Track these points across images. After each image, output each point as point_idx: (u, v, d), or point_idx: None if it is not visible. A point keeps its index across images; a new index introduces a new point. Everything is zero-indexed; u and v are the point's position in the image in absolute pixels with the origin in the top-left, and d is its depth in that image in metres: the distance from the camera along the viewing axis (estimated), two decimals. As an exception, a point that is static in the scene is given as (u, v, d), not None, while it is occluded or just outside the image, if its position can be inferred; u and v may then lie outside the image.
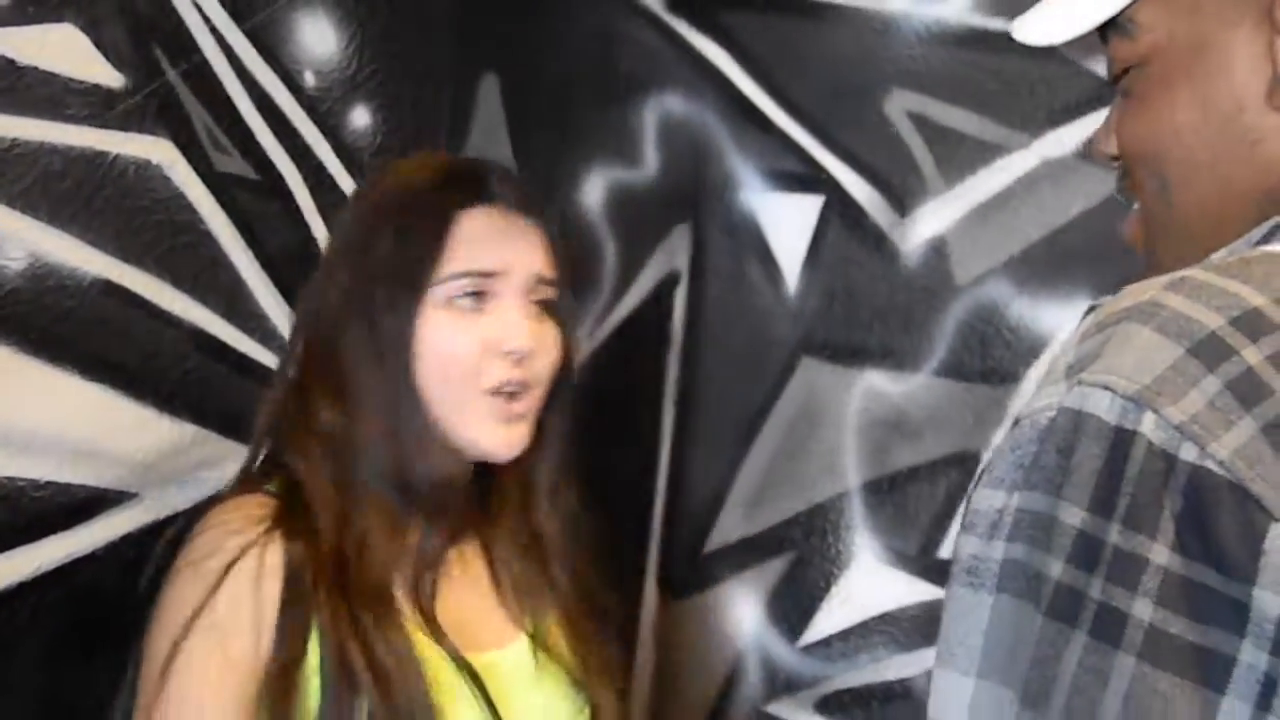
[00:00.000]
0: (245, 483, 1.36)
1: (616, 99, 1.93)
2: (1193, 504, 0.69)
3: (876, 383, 1.78)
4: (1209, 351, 0.72)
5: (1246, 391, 0.71)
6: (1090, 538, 0.70)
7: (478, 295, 1.32)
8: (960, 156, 1.72)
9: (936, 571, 1.73)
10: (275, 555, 1.25)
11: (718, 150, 1.87)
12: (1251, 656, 0.68)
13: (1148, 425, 0.70)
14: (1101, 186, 1.56)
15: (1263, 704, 0.67)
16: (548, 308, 1.36)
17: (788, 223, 1.82)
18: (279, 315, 1.79)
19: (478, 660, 1.32)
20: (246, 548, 1.25)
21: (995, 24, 1.67)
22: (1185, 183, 0.92)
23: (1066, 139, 1.64)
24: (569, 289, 1.43)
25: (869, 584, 1.77)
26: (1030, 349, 1.69)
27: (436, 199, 1.35)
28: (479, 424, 1.32)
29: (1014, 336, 1.69)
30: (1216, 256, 0.85)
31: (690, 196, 1.89)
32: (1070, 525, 0.71)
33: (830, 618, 1.80)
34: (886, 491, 1.77)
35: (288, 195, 1.79)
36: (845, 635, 1.79)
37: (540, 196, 1.44)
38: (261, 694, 1.24)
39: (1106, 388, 0.71)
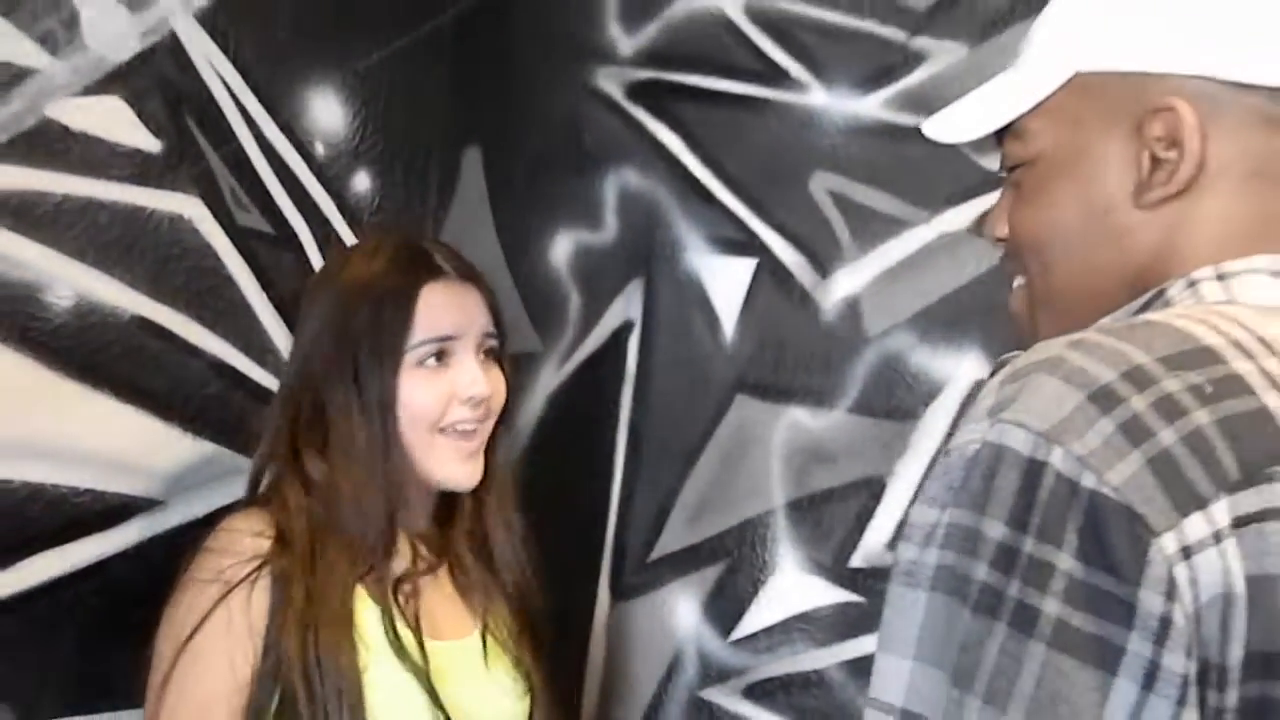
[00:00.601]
0: (251, 502, 1.42)
1: (582, 172, 1.95)
2: (1092, 521, 0.71)
3: (799, 417, 1.78)
4: (1104, 399, 0.73)
5: (1134, 432, 0.72)
6: (1009, 547, 0.72)
7: (440, 355, 1.39)
8: (871, 229, 1.74)
9: (848, 578, 1.74)
10: (264, 584, 1.31)
11: (667, 218, 1.88)
12: (1138, 646, 0.70)
13: (1056, 457, 0.72)
14: (989, 256, 1.59)
15: (1148, 685, 0.70)
16: (492, 355, 1.44)
17: (726, 281, 1.84)
18: (288, 349, 1.78)
19: (441, 648, 1.39)
20: (239, 582, 1.30)
21: (902, 119, 1.70)
22: (1063, 266, 0.93)
23: (960, 216, 1.66)
24: (506, 335, 1.48)
25: (790, 588, 1.77)
26: (928, 391, 1.71)
27: (399, 280, 1.40)
28: (445, 463, 1.40)
29: (915, 380, 1.71)
30: (1105, 322, 0.86)
31: (643, 257, 1.91)
32: (992, 537, 0.73)
33: (757, 617, 1.80)
34: (806, 509, 1.78)
35: (299, 248, 1.82)
36: (769, 632, 1.79)
37: (475, 265, 1.49)
38: (250, 696, 1.30)
39: (1021, 426, 0.74)
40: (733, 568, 1.82)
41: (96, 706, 1.58)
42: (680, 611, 1.86)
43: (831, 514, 1.76)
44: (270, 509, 1.38)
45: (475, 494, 1.47)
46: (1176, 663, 0.69)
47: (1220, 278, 0.84)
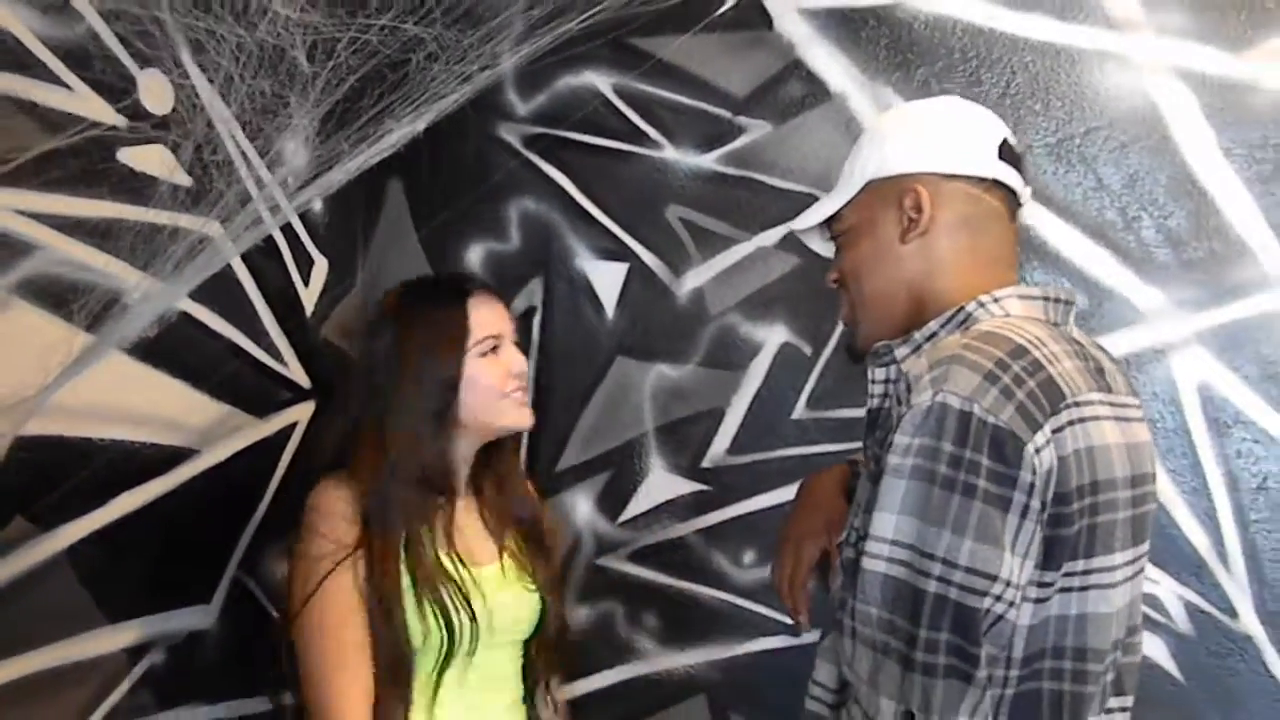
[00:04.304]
0: (336, 466, 1.44)
1: (492, 199, 1.98)
2: (996, 440, 0.91)
3: (663, 370, 1.88)
4: (990, 378, 0.93)
5: (1007, 393, 0.93)
6: (956, 455, 0.92)
7: (494, 348, 1.47)
8: (710, 243, 1.85)
9: (699, 475, 1.84)
10: (359, 568, 1.36)
11: (560, 233, 1.94)
12: (1020, 498, 0.91)
13: (975, 409, 0.92)
14: (790, 263, 1.77)
15: (1024, 515, 0.91)
16: (515, 342, 1.53)
17: (606, 279, 1.91)
18: (275, 331, 1.85)
19: (477, 572, 1.45)
20: (339, 564, 1.35)
21: (730, 170, 1.81)
22: (869, 283, 1.14)
23: (770, 236, 1.79)
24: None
25: (659, 485, 1.88)
26: (751, 351, 1.82)
27: (451, 297, 1.47)
28: (511, 413, 1.48)
29: (742, 343, 1.82)
30: (974, 331, 0.99)
31: (542, 261, 1.96)
32: (947, 450, 0.92)
33: (636, 505, 1.90)
34: (669, 431, 1.89)
35: (279, 255, 1.90)
36: (645, 514, 1.90)
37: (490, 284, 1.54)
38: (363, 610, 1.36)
39: (954, 393, 0.93)
40: (618, 473, 1.91)
41: (163, 606, 1.68)
42: (580, 505, 1.93)
43: (687, 433, 1.87)
44: (354, 478, 1.40)
45: (500, 445, 1.53)
46: (1036, 504, 0.93)
47: (996, 300, 1.05)
